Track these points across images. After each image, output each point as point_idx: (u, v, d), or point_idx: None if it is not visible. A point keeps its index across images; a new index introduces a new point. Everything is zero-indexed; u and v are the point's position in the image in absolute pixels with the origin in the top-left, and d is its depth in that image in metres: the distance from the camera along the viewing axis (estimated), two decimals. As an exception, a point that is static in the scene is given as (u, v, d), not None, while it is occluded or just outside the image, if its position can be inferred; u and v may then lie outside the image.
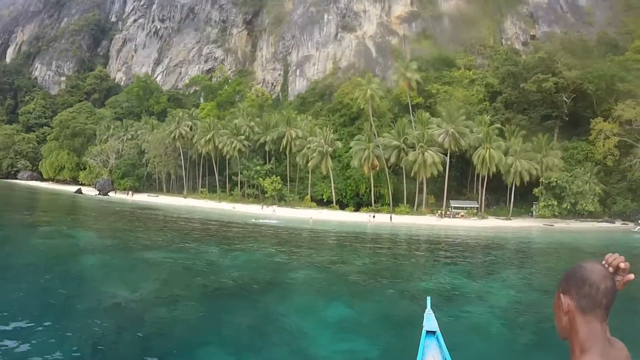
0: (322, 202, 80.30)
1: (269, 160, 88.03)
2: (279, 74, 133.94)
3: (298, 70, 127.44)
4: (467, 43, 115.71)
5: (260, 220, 54.23)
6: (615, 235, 56.26)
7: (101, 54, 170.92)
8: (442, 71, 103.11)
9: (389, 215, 69.49)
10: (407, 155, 71.99)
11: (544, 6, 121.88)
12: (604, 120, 74.69)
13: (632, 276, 2.03)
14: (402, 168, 74.46)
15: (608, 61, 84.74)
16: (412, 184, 75.56)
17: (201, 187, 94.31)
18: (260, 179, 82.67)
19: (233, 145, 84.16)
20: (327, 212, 72.29)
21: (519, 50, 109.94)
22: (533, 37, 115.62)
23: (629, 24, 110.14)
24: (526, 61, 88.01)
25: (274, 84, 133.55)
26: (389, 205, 75.14)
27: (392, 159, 73.77)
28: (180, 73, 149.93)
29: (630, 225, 65.81)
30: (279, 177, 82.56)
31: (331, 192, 79.95)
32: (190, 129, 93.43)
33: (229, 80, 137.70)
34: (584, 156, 75.10)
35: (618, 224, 68.18)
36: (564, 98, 78.27)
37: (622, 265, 2.02)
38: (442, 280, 22.15)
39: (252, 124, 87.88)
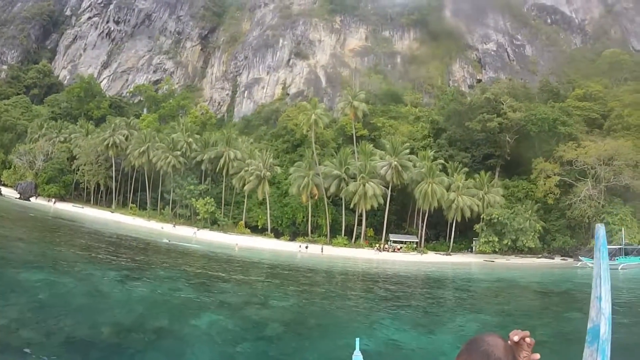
0: (257, 229, 76.27)
1: (205, 180, 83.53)
2: (227, 94, 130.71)
3: (246, 92, 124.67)
4: (415, 81, 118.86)
5: (177, 243, 49.89)
6: (561, 271, 56.53)
7: (49, 47, 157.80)
8: (389, 105, 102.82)
9: (327, 246, 66.59)
10: (347, 185, 69.45)
11: (491, 53, 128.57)
12: (545, 161, 75.58)
13: (537, 356, 2.06)
14: (341, 199, 71.65)
15: (550, 106, 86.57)
16: (351, 216, 72.97)
17: (131, 203, 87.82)
18: (194, 199, 77.76)
19: (167, 160, 78.84)
20: (259, 240, 68.62)
21: (465, 92, 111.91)
22: (479, 81, 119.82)
23: (570, 74, 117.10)
24: (472, 101, 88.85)
25: (221, 104, 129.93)
26: (326, 236, 72.17)
27: (332, 189, 71.06)
28: (127, 80, 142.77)
29: (570, 260, 66.89)
30: (212, 199, 77.92)
31: (267, 219, 75.94)
32: (126, 139, 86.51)
33: (175, 94, 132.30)
34: (525, 194, 75.77)
35: (557, 259, 69.12)
36: (507, 138, 78.85)
37: (527, 340, 2.04)
38: (383, 333, 17.44)
39: (191, 140, 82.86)
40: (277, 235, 74.80)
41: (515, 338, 2.04)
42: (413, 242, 72.29)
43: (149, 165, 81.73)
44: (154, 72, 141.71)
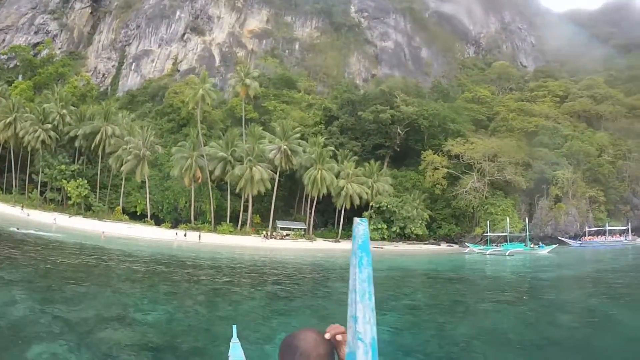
0: (136, 216, 69.33)
1: (79, 160, 74.58)
2: (113, 65, 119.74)
3: (134, 64, 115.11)
4: (311, 69, 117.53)
5: (32, 232, 43.22)
6: (451, 257, 59.05)
7: None
8: (283, 90, 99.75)
9: (211, 234, 62.44)
10: (233, 169, 65.12)
11: (389, 51, 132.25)
12: (434, 153, 77.82)
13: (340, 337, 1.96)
14: (227, 183, 67.29)
15: (440, 104, 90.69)
16: (237, 201, 69.01)
17: None
18: (65, 181, 68.83)
19: (36, 134, 68.84)
20: (137, 227, 62.39)
21: (359, 85, 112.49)
22: (374, 75, 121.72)
23: (461, 79, 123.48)
24: (367, 92, 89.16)
25: (105, 76, 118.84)
26: (210, 223, 67.51)
27: (217, 172, 66.11)
28: (4, 40, 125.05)
29: (455, 246, 72.02)
30: (86, 182, 69.15)
31: (146, 204, 69.23)
32: (-9, 108, 74.58)
33: (55, 60, 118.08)
34: (412, 184, 77.81)
35: (443, 246, 73.03)
36: (399, 130, 79.55)
37: (338, 338, 1.95)
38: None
39: (65, 112, 72.81)
40: (158, 222, 68.60)
41: (327, 336, 1.95)
42: (301, 229, 70.04)
43: (16, 140, 71.19)
44: (35, 33, 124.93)
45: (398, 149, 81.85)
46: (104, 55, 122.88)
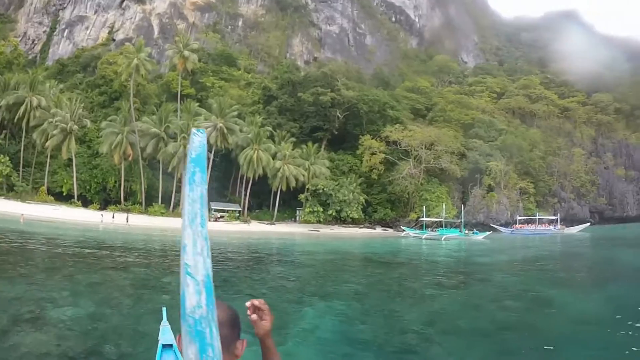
0: (62, 197, 65.27)
1: (1, 134, 69.13)
2: (45, 31, 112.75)
3: (67, 31, 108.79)
4: (253, 48, 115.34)
5: None
6: (388, 240, 59.89)
7: None
8: (222, 67, 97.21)
9: (142, 216, 60.44)
10: (166, 146, 62.98)
11: (333, 35, 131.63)
12: (372, 139, 78.47)
13: (254, 316, 1.98)
14: (159, 161, 64.98)
15: (381, 91, 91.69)
16: (169, 181, 66.72)
17: None
18: None
19: None
20: (63, 209, 58.35)
21: (300, 67, 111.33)
22: (316, 58, 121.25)
23: (403, 68, 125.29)
24: (308, 73, 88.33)
25: (35, 42, 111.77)
26: (141, 204, 65.24)
27: (149, 149, 63.55)
28: None
29: (390, 230, 73.94)
30: (8, 159, 63.79)
31: (73, 184, 65.21)
32: None
33: None
34: (349, 168, 78.12)
35: (379, 229, 74.18)
36: (338, 114, 79.48)
37: (253, 317, 1.98)
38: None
39: None
40: (86, 203, 65.07)
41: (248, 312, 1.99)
42: (236, 211, 69.03)
43: None
44: None
45: (336, 133, 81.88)
46: (35, 19, 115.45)
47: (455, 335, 13.81)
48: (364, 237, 62.86)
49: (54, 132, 62.38)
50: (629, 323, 13.83)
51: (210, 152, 63.87)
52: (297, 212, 73.75)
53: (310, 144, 73.11)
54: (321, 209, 69.16)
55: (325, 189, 68.49)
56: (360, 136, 79.01)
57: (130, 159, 63.69)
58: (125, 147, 61.98)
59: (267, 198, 72.51)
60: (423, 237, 64.49)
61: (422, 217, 71.45)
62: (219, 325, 1.50)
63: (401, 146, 78.01)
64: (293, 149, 70.27)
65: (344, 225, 71.56)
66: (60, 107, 65.15)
